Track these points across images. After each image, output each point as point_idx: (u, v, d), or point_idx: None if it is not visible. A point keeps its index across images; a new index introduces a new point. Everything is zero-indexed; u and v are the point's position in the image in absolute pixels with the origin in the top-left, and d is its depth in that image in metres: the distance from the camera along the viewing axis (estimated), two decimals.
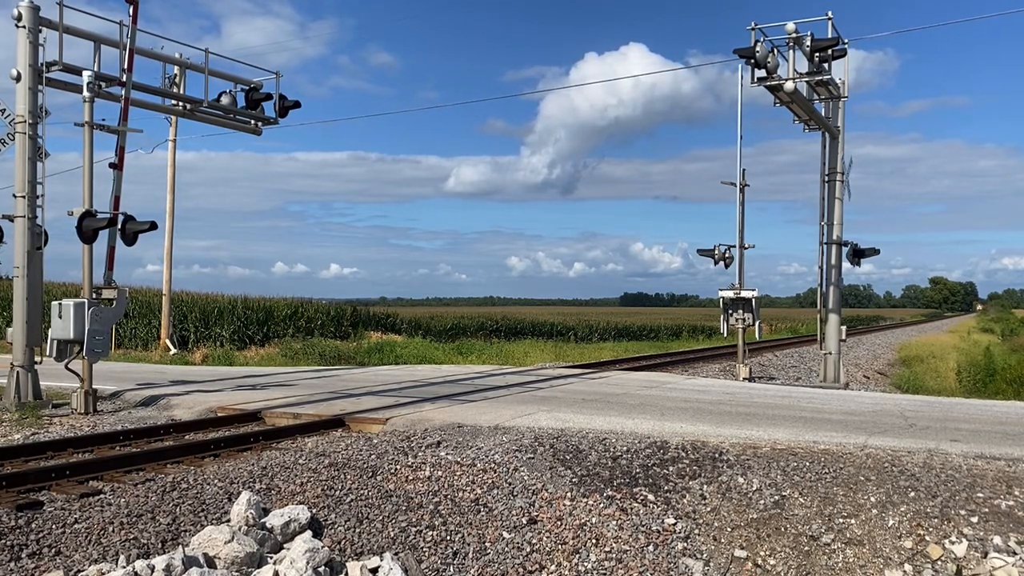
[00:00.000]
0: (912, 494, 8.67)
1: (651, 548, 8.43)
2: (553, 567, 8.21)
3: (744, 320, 21.15)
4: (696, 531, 8.66)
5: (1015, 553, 7.72)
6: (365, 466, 9.47)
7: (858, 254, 22.10)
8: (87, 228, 13.06)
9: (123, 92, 13.91)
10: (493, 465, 9.61)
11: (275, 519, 7.73)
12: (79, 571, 6.63)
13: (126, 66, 13.98)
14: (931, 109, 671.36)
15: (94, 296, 13.14)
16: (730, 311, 21.30)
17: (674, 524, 8.71)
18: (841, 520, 8.49)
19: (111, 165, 13.48)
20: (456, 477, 9.34)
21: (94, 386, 13.33)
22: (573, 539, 8.53)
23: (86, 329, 12.73)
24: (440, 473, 9.41)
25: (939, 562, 7.84)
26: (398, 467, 9.53)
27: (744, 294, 21.05)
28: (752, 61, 17.71)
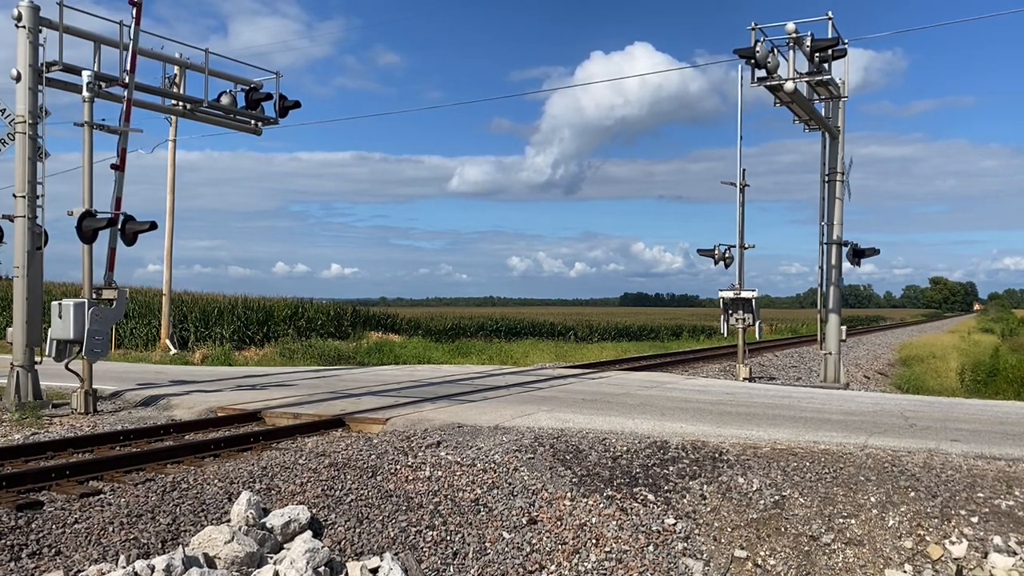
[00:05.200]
0: (912, 494, 8.67)
1: (651, 548, 8.43)
2: (553, 567, 8.21)
3: (744, 320, 21.15)
4: (696, 531, 8.66)
5: (1015, 553, 7.72)
6: (365, 466, 9.47)
7: (858, 254, 22.11)
8: (87, 228, 13.06)
9: (125, 93, 13.90)
10: (493, 465, 9.61)
11: (275, 519, 7.73)
12: (79, 571, 6.63)
13: (128, 67, 13.98)
14: (937, 109, 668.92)
15: (94, 296, 13.14)
16: (730, 311, 21.31)
17: (674, 524, 8.71)
18: (841, 520, 8.49)
19: (113, 166, 13.48)
20: (456, 477, 9.34)
21: (94, 386, 13.33)
22: (573, 539, 8.53)
23: (86, 329, 12.73)
24: (440, 473, 9.41)
25: (939, 562, 7.84)
26: (398, 467, 9.53)
27: (744, 294, 21.04)
28: (752, 61, 17.71)
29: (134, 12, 13.86)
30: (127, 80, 13.96)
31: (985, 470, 9.10)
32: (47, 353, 13.29)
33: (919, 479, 8.94)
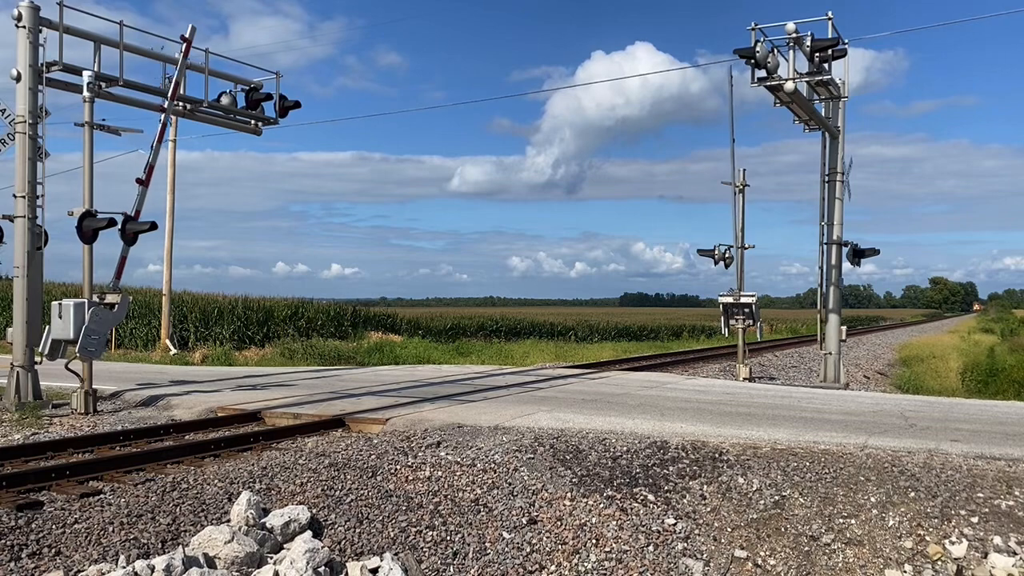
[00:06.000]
0: (912, 494, 8.67)
1: (651, 548, 8.43)
2: (553, 567, 8.21)
3: (744, 320, 21.16)
4: (696, 531, 8.66)
5: (1015, 553, 7.73)
6: (365, 466, 9.47)
7: (858, 254, 22.10)
8: (87, 228, 13.05)
9: (162, 117, 14.07)
10: (493, 465, 9.62)
11: (275, 519, 7.73)
12: (79, 571, 6.63)
13: (169, 95, 14.26)
14: (938, 109, 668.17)
15: (97, 299, 13.11)
16: (730, 314, 21.33)
17: (674, 524, 8.71)
18: (841, 520, 8.49)
19: (138, 180, 13.43)
20: (456, 477, 9.35)
21: (94, 386, 13.32)
22: (573, 539, 8.53)
23: (83, 328, 12.70)
24: (440, 473, 9.41)
25: (939, 562, 7.84)
26: (398, 467, 9.53)
27: (743, 299, 21.03)
28: (752, 61, 17.69)
29: (183, 48, 14.25)
30: (167, 105, 14.18)
31: (985, 470, 9.09)
32: (41, 351, 13.25)
33: (919, 479, 8.94)
